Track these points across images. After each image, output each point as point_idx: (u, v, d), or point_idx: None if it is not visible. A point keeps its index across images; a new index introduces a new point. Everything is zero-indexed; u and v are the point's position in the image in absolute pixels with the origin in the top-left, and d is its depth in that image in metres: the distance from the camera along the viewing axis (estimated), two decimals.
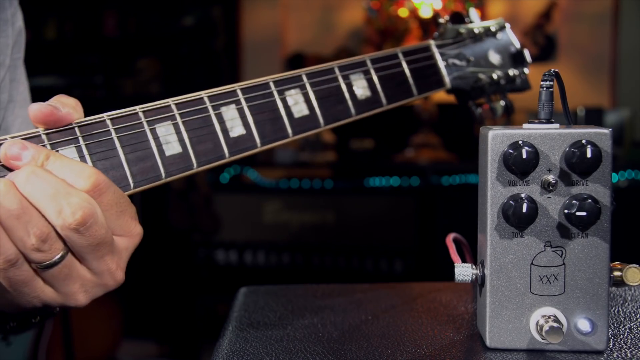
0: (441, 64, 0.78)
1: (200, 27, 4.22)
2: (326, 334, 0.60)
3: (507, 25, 0.85)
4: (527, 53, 0.84)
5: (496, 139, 0.53)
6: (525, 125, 0.54)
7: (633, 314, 0.63)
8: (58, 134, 0.56)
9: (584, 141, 0.52)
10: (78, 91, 4.32)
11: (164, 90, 4.06)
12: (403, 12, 3.36)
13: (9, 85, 0.79)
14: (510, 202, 0.53)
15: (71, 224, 0.50)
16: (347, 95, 0.71)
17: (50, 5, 4.24)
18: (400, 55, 0.76)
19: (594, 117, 2.87)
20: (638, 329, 0.59)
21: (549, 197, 0.53)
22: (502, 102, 0.83)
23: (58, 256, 0.52)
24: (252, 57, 4.06)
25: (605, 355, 0.53)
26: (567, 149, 0.53)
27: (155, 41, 4.30)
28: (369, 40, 3.58)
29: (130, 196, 0.73)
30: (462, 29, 0.81)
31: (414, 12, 3.30)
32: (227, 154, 0.63)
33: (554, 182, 0.52)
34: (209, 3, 4.21)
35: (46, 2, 4.20)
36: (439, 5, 3.20)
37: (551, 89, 0.55)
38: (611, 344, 0.56)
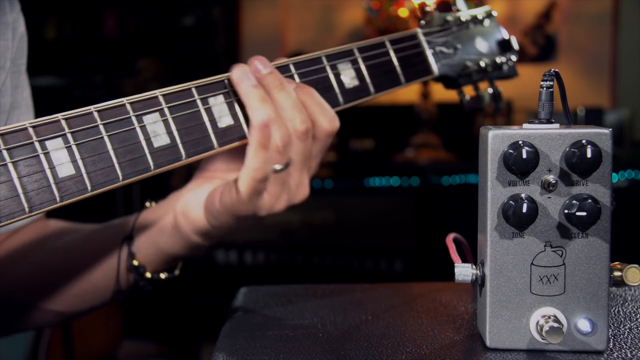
0: (428, 51, 0.79)
1: (200, 27, 4.22)
2: (326, 334, 0.60)
3: (494, 13, 0.85)
4: (514, 40, 0.84)
5: (496, 139, 0.53)
6: (525, 125, 0.54)
7: (633, 314, 0.63)
8: (45, 126, 0.55)
9: (584, 141, 0.52)
10: (78, 91, 4.32)
11: None
12: (403, 12, 3.36)
13: (14, 91, 0.80)
14: (510, 202, 0.53)
15: (299, 130, 0.64)
16: (334, 84, 0.71)
17: (50, 5, 4.24)
18: (388, 44, 0.76)
19: (594, 117, 2.87)
20: (638, 329, 0.59)
21: (549, 197, 0.53)
22: (490, 90, 0.83)
23: (284, 164, 0.64)
24: (252, 57, 4.05)
25: (605, 355, 0.53)
26: (567, 149, 0.53)
27: (155, 41, 4.30)
28: None
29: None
30: (449, 17, 0.82)
31: (414, 12, 3.30)
32: (215, 145, 0.63)
33: (554, 182, 0.52)
34: (209, 3, 4.21)
35: (46, 2, 4.20)
36: None
37: (551, 89, 0.55)
38: (611, 344, 0.56)
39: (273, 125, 0.63)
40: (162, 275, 0.78)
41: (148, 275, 0.76)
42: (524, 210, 0.52)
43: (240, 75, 0.65)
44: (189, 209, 0.72)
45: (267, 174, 0.64)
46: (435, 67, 0.79)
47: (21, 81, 0.81)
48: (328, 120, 0.67)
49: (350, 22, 3.86)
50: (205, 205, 0.70)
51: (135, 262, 0.75)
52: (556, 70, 0.55)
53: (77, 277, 0.79)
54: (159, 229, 0.74)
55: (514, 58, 0.84)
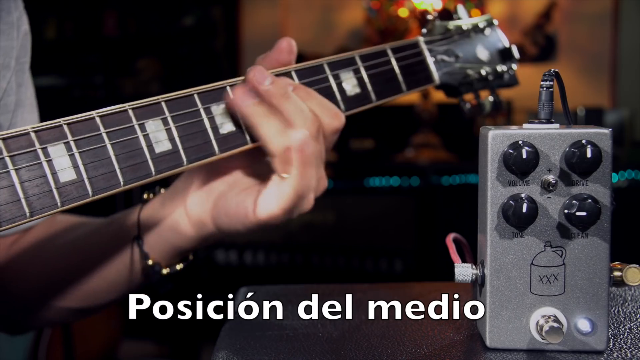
0: (430, 60, 0.79)
1: (200, 27, 4.22)
2: (326, 334, 0.60)
3: (495, 22, 0.86)
4: (515, 49, 0.85)
5: (496, 139, 0.53)
6: (525, 125, 0.54)
7: (633, 314, 0.63)
8: (47, 131, 0.56)
9: (584, 141, 0.52)
10: (78, 91, 4.32)
11: (164, 90, 4.04)
12: (403, 12, 3.37)
13: (18, 90, 0.80)
14: (510, 202, 0.53)
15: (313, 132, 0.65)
16: (336, 92, 0.71)
17: (50, 5, 4.24)
18: (389, 52, 0.76)
19: (594, 117, 2.87)
20: (638, 329, 0.59)
21: (549, 197, 0.53)
22: (491, 98, 0.84)
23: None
24: (252, 57, 4.04)
25: (605, 355, 0.53)
26: (567, 149, 0.53)
27: (155, 41, 4.30)
28: (369, 40, 3.57)
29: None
30: (451, 25, 0.82)
31: (414, 12, 3.30)
32: (217, 151, 0.63)
33: (554, 182, 0.52)
34: (209, 3, 4.22)
35: (46, 2, 4.20)
36: (439, 5, 3.20)
37: (551, 89, 0.55)
38: (611, 344, 0.56)
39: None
40: (178, 267, 0.77)
41: (164, 272, 0.76)
42: (524, 210, 0.52)
43: (241, 96, 0.64)
44: (203, 219, 0.71)
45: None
46: (436, 76, 0.79)
47: (25, 79, 0.81)
48: (332, 117, 0.67)
49: (350, 22, 3.86)
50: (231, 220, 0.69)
51: (150, 262, 0.75)
52: (556, 70, 0.55)
53: (88, 274, 0.78)
54: (171, 228, 0.73)
55: (514, 67, 0.84)
